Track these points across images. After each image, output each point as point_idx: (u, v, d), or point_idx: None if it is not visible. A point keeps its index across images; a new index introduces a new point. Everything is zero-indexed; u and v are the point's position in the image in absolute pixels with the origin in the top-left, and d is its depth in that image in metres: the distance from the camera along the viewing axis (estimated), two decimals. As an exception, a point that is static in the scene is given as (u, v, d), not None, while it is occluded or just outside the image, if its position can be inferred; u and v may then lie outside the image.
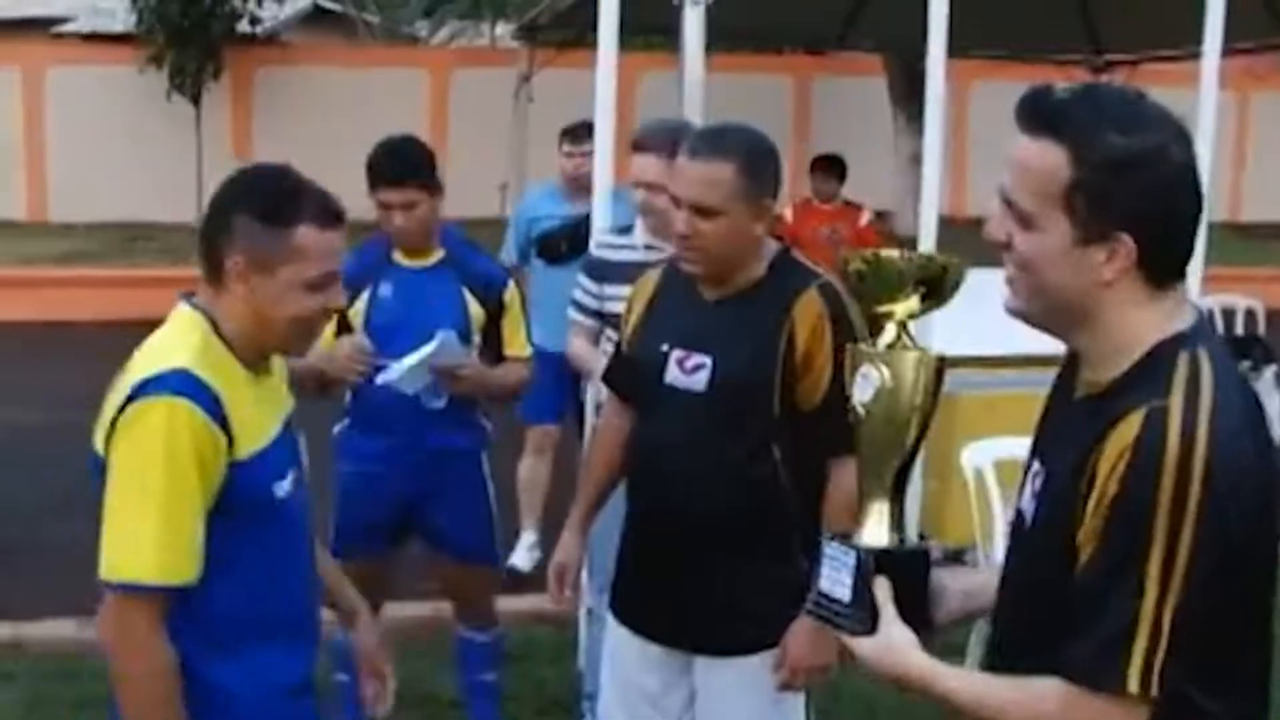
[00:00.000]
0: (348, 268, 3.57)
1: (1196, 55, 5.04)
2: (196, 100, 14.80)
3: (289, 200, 2.10)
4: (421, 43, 23.88)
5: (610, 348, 3.27)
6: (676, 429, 2.61)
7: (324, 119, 15.07)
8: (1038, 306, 1.68)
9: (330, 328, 3.55)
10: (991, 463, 4.00)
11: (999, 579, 1.84)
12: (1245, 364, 8.40)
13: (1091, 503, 1.57)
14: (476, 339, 3.66)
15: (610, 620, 2.88)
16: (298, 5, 20.84)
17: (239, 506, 2.04)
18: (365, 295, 3.59)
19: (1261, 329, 8.91)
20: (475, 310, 3.62)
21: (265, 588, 2.10)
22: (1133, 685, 1.53)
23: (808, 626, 2.47)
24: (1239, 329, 8.88)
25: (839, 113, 16.44)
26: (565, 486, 4.01)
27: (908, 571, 1.81)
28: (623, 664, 2.85)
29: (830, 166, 8.00)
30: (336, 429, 3.79)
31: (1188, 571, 1.51)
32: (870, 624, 1.76)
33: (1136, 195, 1.57)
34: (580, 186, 5.20)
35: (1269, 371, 8.34)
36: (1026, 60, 10.72)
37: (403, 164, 3.51)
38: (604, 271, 3.80)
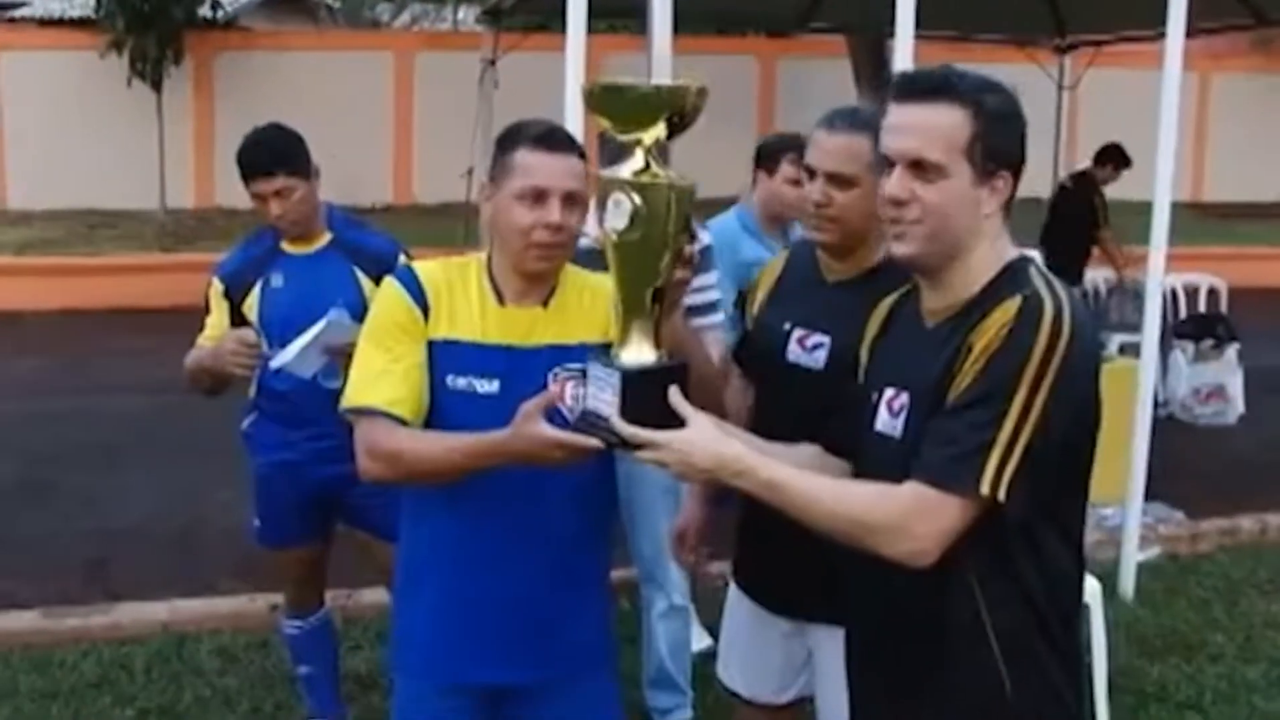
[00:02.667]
0: (236, 263, 3.65)
1: (1152, 37, 5.06)
2: (158, 86, 14.61)
3: (514, 130, 2.39)
4: (383, 27, 23.73)
5: None
6: (796, 405, 2.65)
7: (288, 104, 14.88)
8: (931, 247, 2.01)
9: (224, 321, 3.59)
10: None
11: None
12: (1208, 342, 8.47)
13: (968, 364, 1.93)
14: None
15: (731, 586, 2.98)
16: (259, -11, 20.65)
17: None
18: (257, 288, 3.60)
19: (1224, 307, 9.00)
20: (369, 288, 3.53)
21: None
22: (984, 488, 1.87)
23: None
24: (1202, 307, 8.96)
25: (804, 95, 16.45)
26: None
27: (667, 384, 2.01)
28: (741, 629, 2.95)
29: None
30: (245, 424, 3.77)
31: (1045, 407, 1.87)
32: (627, 441, 1.97)
33: (1013, 140, 2.01)
34: (784, 219, 4.58)
35: (1231, 350, 8.41)
36: (990, 41, 10.77)
37: (270, 154, 3.50)
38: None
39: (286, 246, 3.63)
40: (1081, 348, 1.92)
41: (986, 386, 1.90)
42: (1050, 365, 1.88)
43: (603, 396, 2.01)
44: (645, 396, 1.99)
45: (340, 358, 3.37)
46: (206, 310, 3.65)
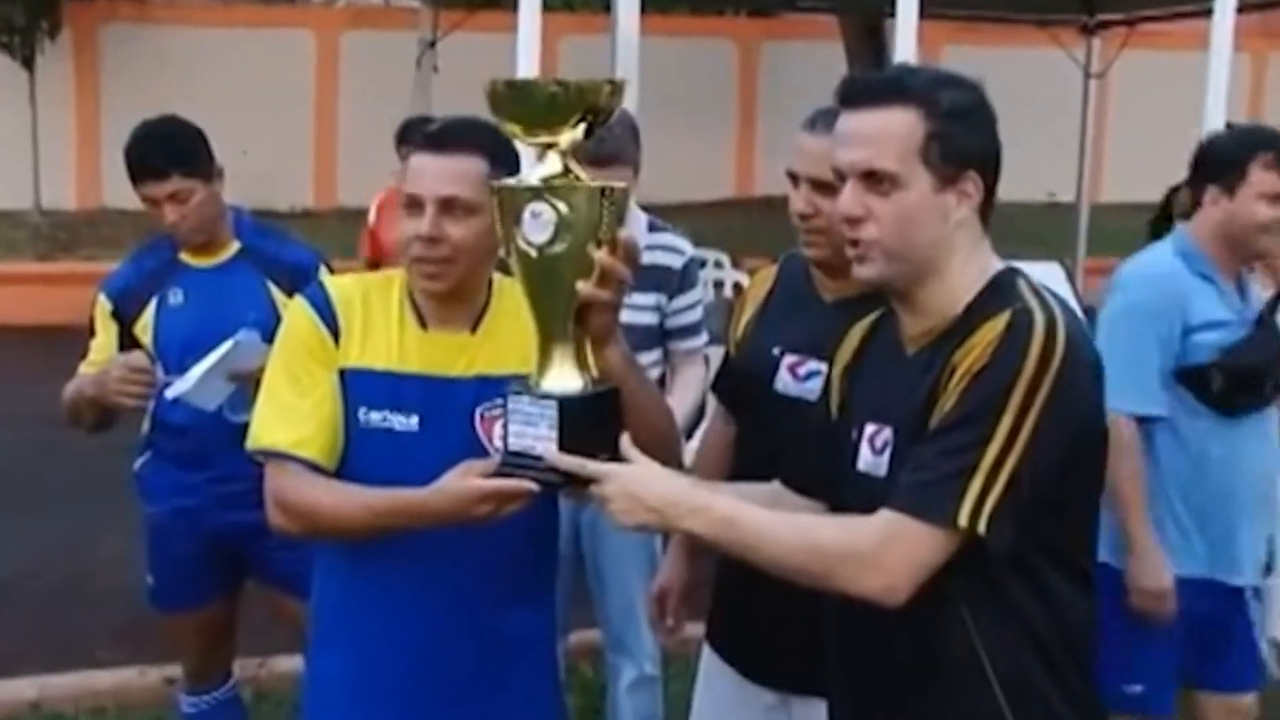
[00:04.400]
0: (127, 277, 3.62)
1: (1196, 14, 5.09)
2: (29, 64, 14.48)
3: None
4: (303, 1, 23.69)
5: None
6: (783, 441, 2.62)
7: (187, 89, 14.82)
8: (893, 268, 2.08)
9: (113, 345, 3.55)
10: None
11: None
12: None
13: (951, 384, 1.97)
14: None
15: (706, 651, 3.01)
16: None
17: None
18: (152, 306, 3.57)
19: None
20: (285, 303, 3.48)
21: None
22: (962, 519, 1.91)
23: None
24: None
25: (789, 83, 16.53)
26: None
27: (604, 412, 2.10)
28: (718, 702, 2.97)
29: None
30: (137, 465, 3.73)
31: (1036, 431, 1.92)
32: (566, 477, 2.03)
33: (976, 136, 2.06)
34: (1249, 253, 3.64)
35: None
36: (1009, 21, 10.86)
37: (163, 151, 3.47)
38: None
39: (187, 258, 3.61)
40: (1078, 365, 1.97)
41: (969, 408, 1.95)
42: (1041, 386, 1.92)
43: (532, 432, 2.06)
44: (583, 427, 2.06)
45: (250, 386, 3.33)
46: (91, 332, 3.63)
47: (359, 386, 2.40)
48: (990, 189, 2.09)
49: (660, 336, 3.89)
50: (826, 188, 2.61)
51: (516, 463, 2.09)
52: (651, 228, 3.88)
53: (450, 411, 2.39)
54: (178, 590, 3.71)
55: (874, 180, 2.05)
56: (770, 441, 2.73)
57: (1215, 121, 5.16)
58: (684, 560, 3.07)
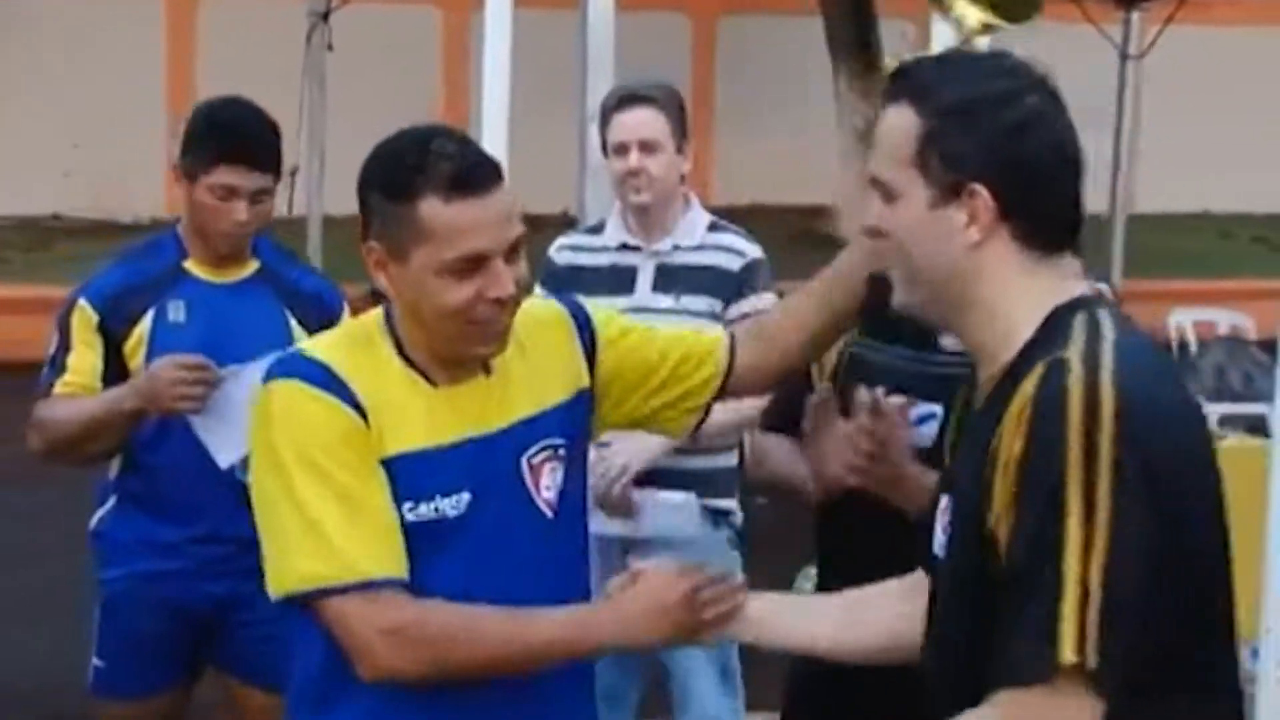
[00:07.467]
0: (119, 281, 3.67)
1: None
2: None
3: (400, 164, 2.40)
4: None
5: None
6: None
7: (15, 71, 14.84)
8: (919, 294, 2.12)
9: (97, 365, 3.59)
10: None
11: (924, 641, 2.19)
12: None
13: (998, 477, 1.94)
14: None
15: None
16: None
17: None
18: (147, 320, 3.62)
19: None
20: (302, 339, 3.56)
21: None
22: (1068, 654, 1.84)
23: None
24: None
25: (754, 66, 16.73)
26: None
27: None
28: None
29: None
30: (96, 519, 3.78)
31: (1112, 525, 1.86)
32: None
33: (983, 138, 2.04)
34: None
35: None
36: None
37: (266, 141, 3.57)
38: (568, 281, 4.04)
39: (194, 267, 3.67)
40: (1144, 424, 1.91)
41: (1030, 520, 1.91)
42: (1098, 459, 1.88)
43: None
44: None
45: None
46: (65, 347, 3.63)
47: (402, 477, 2.41)
48: (1024, 202, 2.05)
49: None
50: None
51: None
52: (713, 227, 4.14)
53: (499, 475, 2.44)
54: (129, 675, 3.70)
55: (880, 189, 2.12)
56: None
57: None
58: None
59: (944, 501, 2.16)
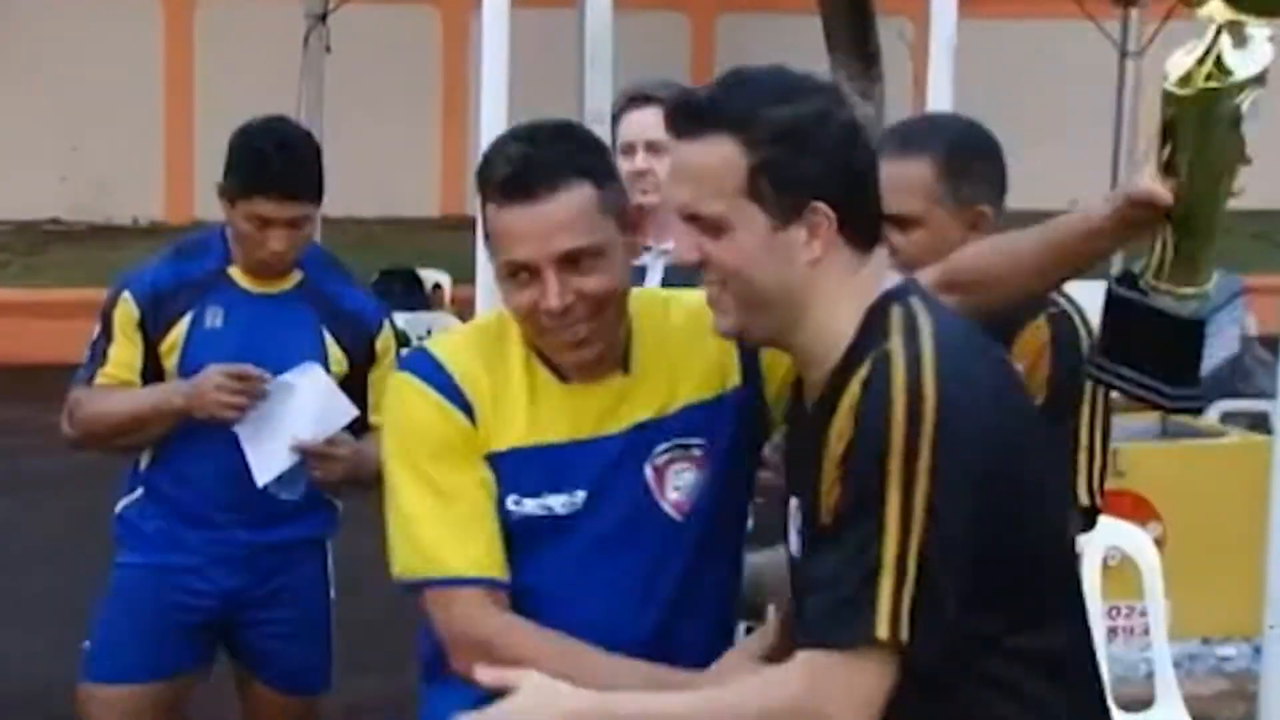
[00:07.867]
0: (164, 280, 3.68)
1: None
2: None
3: (482, 163, 2.43)
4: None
5: None
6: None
7: (9, 73, 14.86)
8: (751, 319, 2.15)
9: (136, 362, 3.61)
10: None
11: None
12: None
13: (827, 466, 2.03)
14: None
15: None
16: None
17: None
18: (184, 323, 3.62)
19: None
20: (337, 358, 3.66)
21: None
22: (882, 630, 1.95)
23: None
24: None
25: (752, 65, 16.72)
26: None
27: None
28: None
29: None
30: (121, 504, 3.78)
31: (929, 502, 1.95)
32: None
33: (816, 158, 2.10)
34: None
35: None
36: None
37: (298, 169, 3.54)
38: None
39: (238, 275, 3.67)
40: (964, 409, 2.00)
41: (851, 497, 2.00)
42: (920, 446, 1.96)
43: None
44: None
45: (314, 458, 3.45)
46: (107, 336, 3.65)
47: (507, 471, 2.42)
48: (855, 210, 2.13)
49: None
50: (900, 221, 2.84)
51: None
52: None
53: (619, 475, 2.43)
54: (124, 657, 3.69)
55: (700, 224, 2.13)
56: None
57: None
58: None
59: (793, 504, 2.22)
